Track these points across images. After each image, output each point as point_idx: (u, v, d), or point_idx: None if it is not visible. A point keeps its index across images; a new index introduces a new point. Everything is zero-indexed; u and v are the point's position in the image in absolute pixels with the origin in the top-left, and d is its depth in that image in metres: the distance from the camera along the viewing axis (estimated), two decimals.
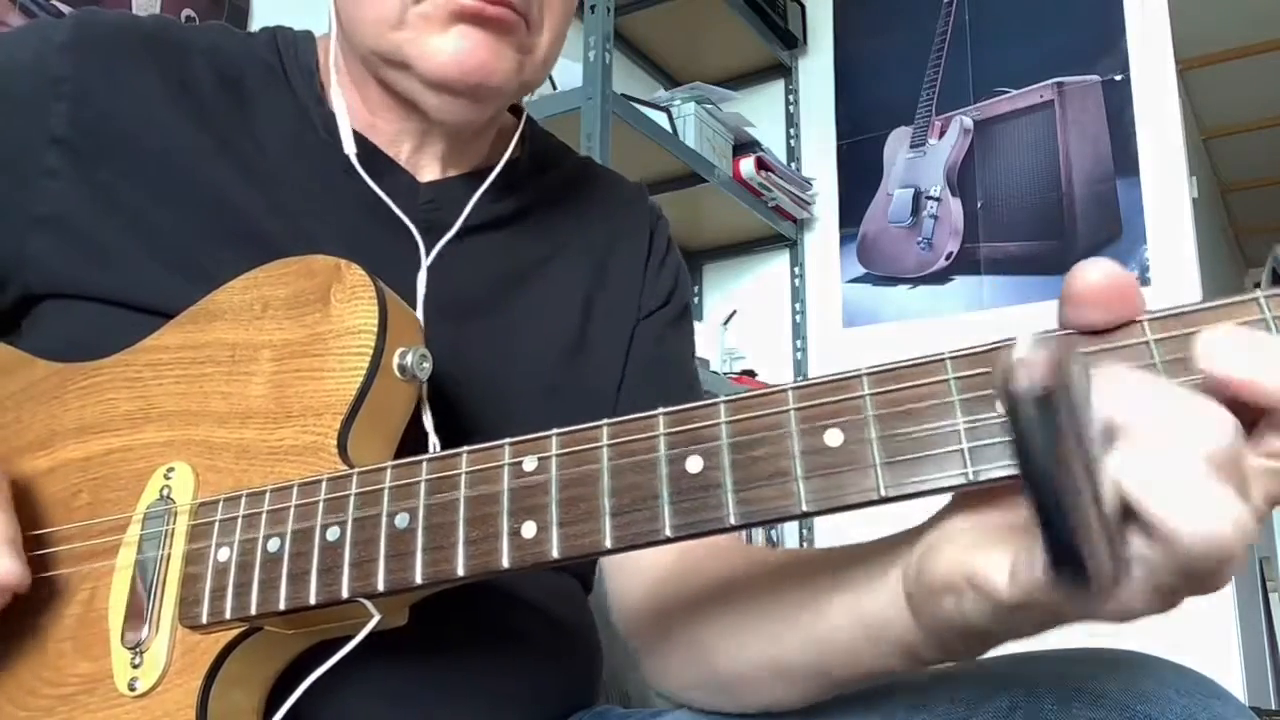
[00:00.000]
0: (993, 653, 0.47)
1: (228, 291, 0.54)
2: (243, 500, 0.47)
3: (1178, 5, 2.15)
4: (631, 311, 0.71)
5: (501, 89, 0.60)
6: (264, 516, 0.46)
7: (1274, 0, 2.79)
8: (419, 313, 0.58)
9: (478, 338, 0.63)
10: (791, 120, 2.56)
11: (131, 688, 0.47)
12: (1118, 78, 2.15)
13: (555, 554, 0.39)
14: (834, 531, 2.06)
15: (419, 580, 0.41)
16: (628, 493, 0.38)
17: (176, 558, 0.48)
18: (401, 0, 0.57)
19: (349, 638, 0.45)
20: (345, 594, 0.43)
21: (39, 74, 0.59)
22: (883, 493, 0.34)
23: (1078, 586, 0.30)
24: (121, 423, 0.53)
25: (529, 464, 0.40)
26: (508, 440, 0.42)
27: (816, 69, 2.57)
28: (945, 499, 0.38)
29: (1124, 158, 2.11)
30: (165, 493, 0.50)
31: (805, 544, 2.23)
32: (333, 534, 0.44)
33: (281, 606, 0.44)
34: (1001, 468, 0.33)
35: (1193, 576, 0.30)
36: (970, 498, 0.37)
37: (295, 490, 0.46)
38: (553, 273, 0.69)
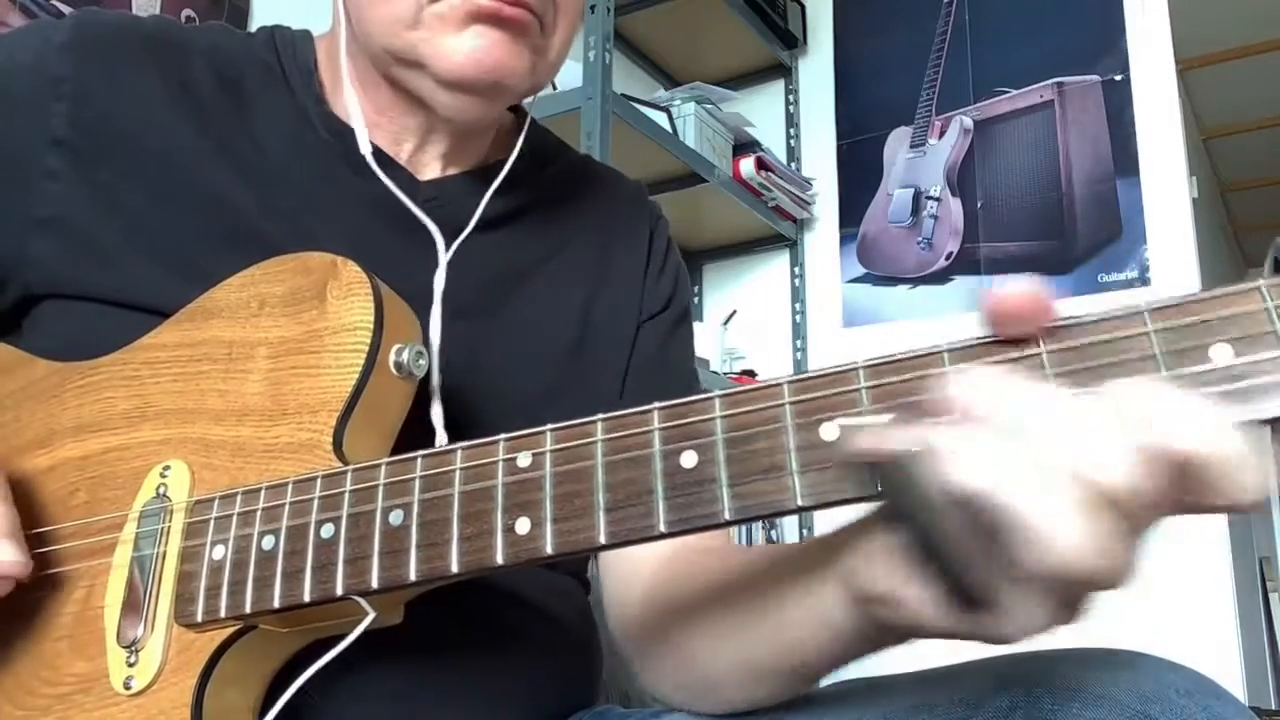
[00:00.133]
0: (992, 652, 0.48)
1: (224, 289, 0.54)
2: (238, 498, 0.47)
3: (1178, 5, 2.15)
4: (632, 315, 0.72)
5: (515, 88, 0.60)
6: (259, 514, 0.46)
7: (1274, 0, 2.78)
8: (437, 310, 0.58)
9: (482, 336, 0.63)
10: (791, 120, 2.56)
11: (127, 686, 0.47)
12: (1118, 78, 2.15)
13: (549, 550, 0.39)
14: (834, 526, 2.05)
15: (413, 577, 0.41)
16: (622, 488, 0.38)
17: (172, 555, 0.48)
18: (417, 0, 0.57)
19: (345, 636, 0.45)
20: (340, 591, 0.42)
21: (39, 74, 0.58)
22: (879, 488, 0.34)
23: (975, 611, 0.32)
24: (119, 421, 0.53)
25: (523, 460, 0.40)
26: (502, 436, 0.41)
27: (816, 69, 2.57)
28: None
29: (1124, 158, 2.11)
30: (161, 490, 0.50)
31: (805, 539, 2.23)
32: (327, 531, 0.44)
33: (276, 604, 0.44)
34: None
35: (1069, 589, 0.31)
36: None
37: (290, 487, 0.46)
38: (553, 272, 0.69)
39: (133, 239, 0.57)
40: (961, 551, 0.30)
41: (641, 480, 0.37)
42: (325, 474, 0.45)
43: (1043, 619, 0.33)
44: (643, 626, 0.61)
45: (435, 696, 0.56)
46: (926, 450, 0.28)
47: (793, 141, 2.54)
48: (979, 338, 0.35)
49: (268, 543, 0.45)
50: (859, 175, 2.44)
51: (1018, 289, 0.33)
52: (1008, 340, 0.34)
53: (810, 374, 0.36)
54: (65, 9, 1.34)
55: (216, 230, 0.58)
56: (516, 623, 0.61)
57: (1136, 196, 2.09)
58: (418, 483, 0.42)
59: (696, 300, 2.55)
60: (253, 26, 1.57)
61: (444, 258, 0.61)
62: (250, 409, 0.50)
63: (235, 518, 0.46)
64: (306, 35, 0.68)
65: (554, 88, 1.83)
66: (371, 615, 0.44)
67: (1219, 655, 1.86)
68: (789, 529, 2.26)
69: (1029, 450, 0.30)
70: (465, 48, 0.57)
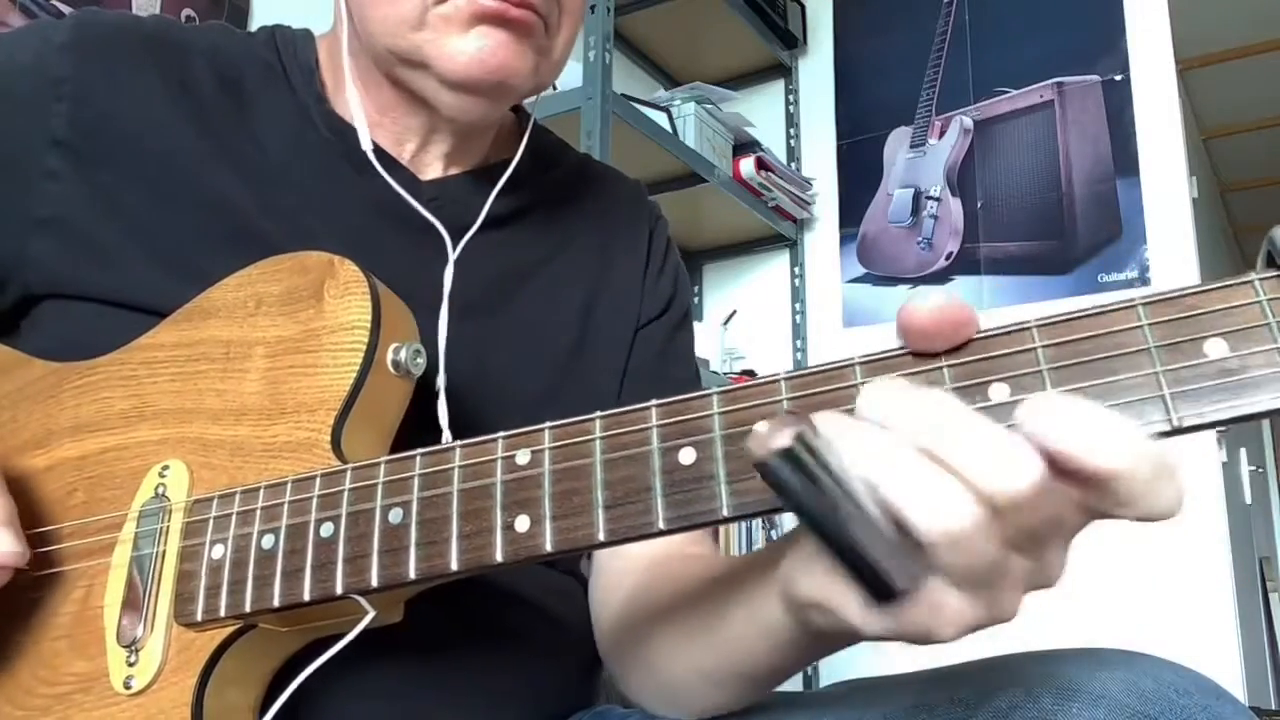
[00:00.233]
0: (992, 652, 0.48)
1: (222, 289, 0.54)
2: (237, 497, 0.47)
3: (1178, 5, 2.15)
4: (631, 319, 0.72)
5: (519, 89, 0.61)
6: (258, 513, 0.46)
7: (1274, 0, 2.78)
8: (444, 310, 0.58)
9: (484, 336, 0.63)
10: (791, 120, 2.56)
11: (127, 686, 0.47)
12: (1118, 78, 2.15)
13: (548, 547, 0.39)
14: None
15: (412, 575, 0.41)
16: (621, 485, 0.38)
17: (171, 555, 0.48)
18: (422, 1, 0.57)
19: (344, 635, 0.45)
20: (339, 590, 0.42)
21: (39, 75, 0.58)
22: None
23: (898, 604, 0.33)
24: (117, 421, 0.53)
25: (522, 457, 0.40)
26: (501, 434, 0.41)
27: (816, 69, 2.58)
28: None
29: (1124, 158, 2.11)
30: (160, 490, 0.50)
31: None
32: (326, 530, 0.44)
33: (276, 603, 0.44)
34: None
35: (971, 577, 0.32)
36: None
37: (289, 486, 0.46)
38: (553, 272, 0.69)
39: (133, 239, 0.57)
40: (860, 544, 0.31)
41: (640, 477, 0.37)
42: (324, 473, 0.45)
43: (971, 613, 0.33)
44: (616, 634, 0.61)
45: (434, 695, 0.56)
46: (798, 443, 0.29)
47: (793, 141, 2.54)
48: (983, 333, 0.35)
49: (267, 542, 0.45)
50: (859, 175, 2.44)
51: (928, 305, 0.34)
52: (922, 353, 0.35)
53: (808, 370, 0.36)
54: (65, 9, 1.34)
55: (217, 230, 0.58)
56: (516, 622, 0.61)
57: (1136, 196, 2.09)
58: (417, 481, 0.42)
59: (696, 300, 2.55)
60: (253, 26, 1.57)
61: (452, 256, 0.61)
62: (248, 408, 0.50)
63: (234, 517, 0.46)
64: (307, 34, 0.68)
65: (554, 87, 1.83)
66: (371, 614, 0.44)
67: (1219, 655, 1.86)
68: (789, 527, 2.26)
69: (902, 435, 0.31)
70: (470, 49, 0.57)
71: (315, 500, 0.44)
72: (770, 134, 2.49)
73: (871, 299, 2.36)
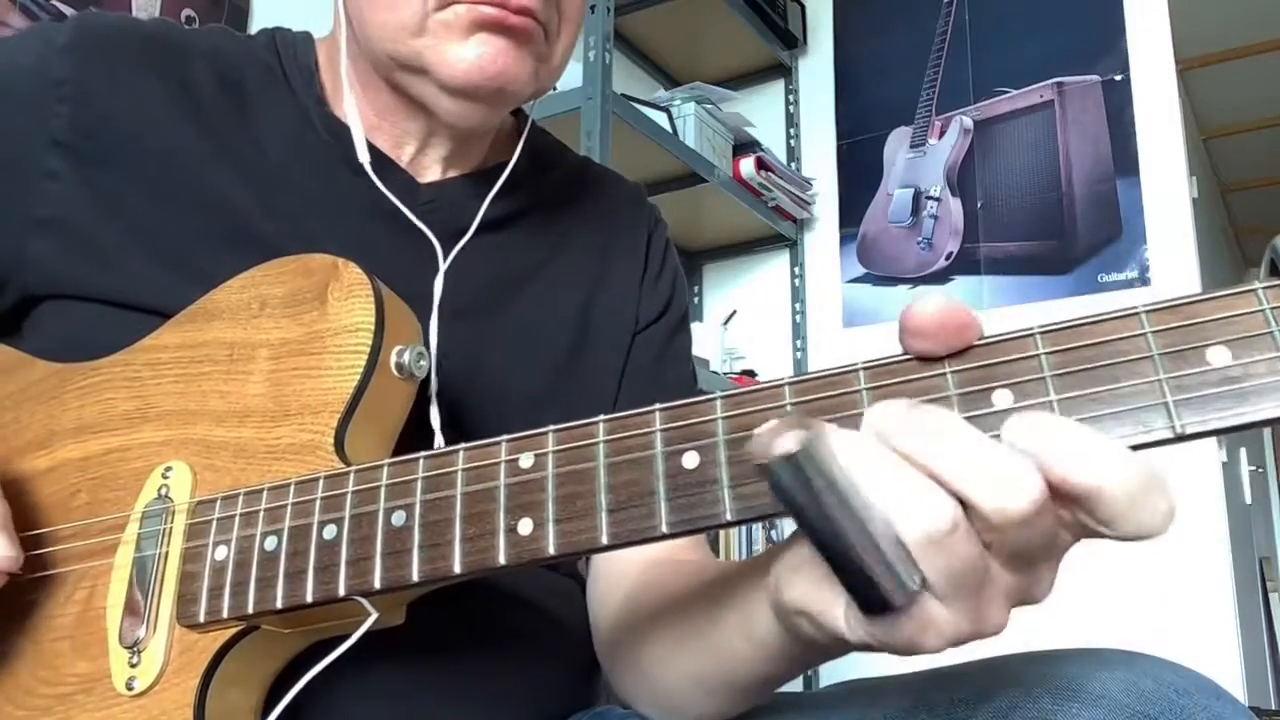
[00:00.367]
0: (992, 652, 0.48)
1: (225, 291, 0.54)
2: (240, 499, 0.47)
3: (1178, 5, 2.16)
4: (629, 321, 0.72)
5: (519, 95, 0.61)
6: (261, 515, 0.46)
7: (1274, 0, 2.78)
8: (435, 314, 0.58)
9: (482, 338, 0.63)
10: (791, 120, 2.56)
11: (129, 687, 0.47)
12: (1118, 78, 2.15)
13: (552, 551, 0.39)
14: None
15: (415, 578, 0.41)
16: (624, 489, 0.38)
17: (174, 556, 0.48)
18: (422, 8, 0.56)
19: (347, 637, 0.45)
20: (342, 592, 0.43)
21: (40, 76, 0.59)
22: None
23: (888, 616, 0.33)
24: (120, 422, 0.53)
25: (525, 461, 0.40)
26: (504, 437, 0.42)
27: (816, 69, 2.58)
28: None
29: (1124, 158, 2.11)
30: (163, 492, 0.50)
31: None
32: (329, 532, 0.44)
33: (278, 605, 0.44)
34: None
35: (955, 581, 0.32)
36: None
37: (292, 488, 0.46)
38: (552, 274, 0.69)
39: (133, 240, 0.57)
40: (855, 552, 0.31)
41: (643, 481, 0.37)
42: (328, 475, 0.45)
43: (956, 625, 0.33)
44: (611, 638, 0.61)
45: (436, 697, 0.56)
46: (803, 449, 0.29)
47: (793, 141, 2.54)
48: (987, 338, 0.35)
49: (270, 543, 0.45)
50: (859, 175, 2.44)
51: (930, 308, 0.34)
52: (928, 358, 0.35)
53: (811, 375, 0.37)
54: (66, 10, 1.34)
55: (217, 231, 0.58)
56: (518, 623, 0.61)
57: (1136, 196, 2.09)
58: (420, 484, 0.42)
59: (696, 300, 2.55)
60: (253, 28, 1.57)
61: (442, 265, 0.61)
62: (252, 410, 0.50)
63: (238, 518, 0.47)
64: (307, 37, 0.68)
65: (554, 88, 1.83)
66: (374, 616, 0.44)
67: (1219, 655, 1.87)
68: (789, 531, 2.26)
69: (904, 449, 0.31)
70: (470, 55, 0.57)
71: (318, 502, 0.45)
72: (770, 134, 2.49)
73: (871, 299, 2.36)
